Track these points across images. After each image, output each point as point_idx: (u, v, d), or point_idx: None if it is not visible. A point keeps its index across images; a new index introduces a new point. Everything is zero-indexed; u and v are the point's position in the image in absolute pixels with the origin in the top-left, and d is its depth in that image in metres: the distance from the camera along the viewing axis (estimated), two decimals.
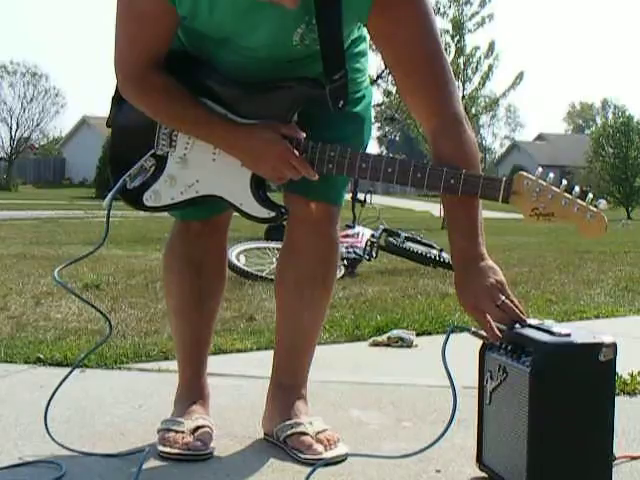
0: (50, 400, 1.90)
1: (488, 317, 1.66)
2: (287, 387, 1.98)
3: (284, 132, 1.72)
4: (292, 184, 1.83)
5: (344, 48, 1.69)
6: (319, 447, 1.84)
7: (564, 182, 1.63)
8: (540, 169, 1.64)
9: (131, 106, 1.79)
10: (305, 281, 1.94)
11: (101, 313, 1.97)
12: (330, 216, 1.92)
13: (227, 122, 1.75)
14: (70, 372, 1.92)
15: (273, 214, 1.79)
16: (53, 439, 1.90)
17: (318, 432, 1.89)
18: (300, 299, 1.96)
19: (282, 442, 1.90)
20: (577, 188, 1.63)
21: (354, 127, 1.89)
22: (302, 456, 1.83)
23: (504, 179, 1.63)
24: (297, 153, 1.71)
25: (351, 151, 1.68)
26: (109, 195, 1.81)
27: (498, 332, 1.65)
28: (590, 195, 1.63)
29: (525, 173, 1.64)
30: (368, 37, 1.86)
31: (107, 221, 1.84)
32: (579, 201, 1.62)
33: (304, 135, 1.73)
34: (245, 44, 1.69)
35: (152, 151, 1.80)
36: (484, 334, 1.69)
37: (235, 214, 1.91)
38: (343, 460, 1.84)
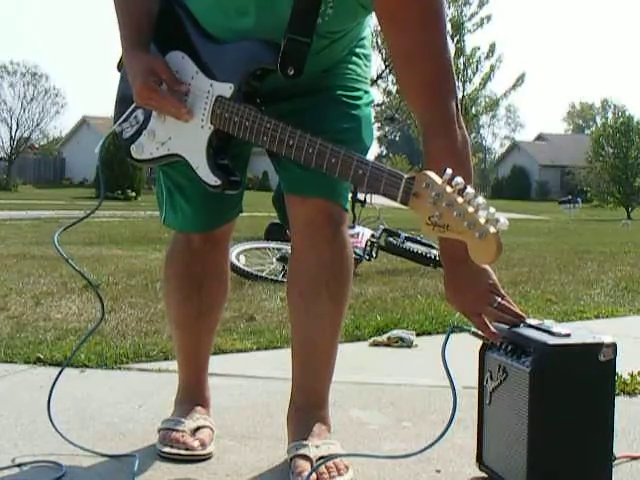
0: (50, 396, 1.90)
1: (485, 319, 1.66)
2: (300, 407, 1.86)
3: (155, 68, 1.68)
4: (286, 183, 1.82)
5: (317, 17, 1.63)
6: (305, 473, 1.72)
7: (469, 189, 1.34)
8: (449, 170, 1.37)
9: None
10: (307, 290, 1.82)
11: (90, 283, 2.02)
12: (329, 215, 1.79)
13: (132, 38, 1.72)
14: (68, 359, 1.92)
15: (219, 182, 1.69)
16: (63, 437, 1.90)
17: (321, 457, 1.75)
18: (305, 311, 1.83)
19: (289, 463, 1.80)
20: (480, 199, 1.33)
21: (350, 124, 1.81)
22: None
23: (405, 177, 1.42)
24: (159, 90, 1.66)
25: (283, 126, 1.59)
26: (101, 141, 1.82)
27: (497, 333, 1.66)
28: (492, 210, 1.32)
29: (429, 173, 1.39)
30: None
31: (100, 167, 1.86)
32: (474, 214, 1.33)
33: (171, 78, 1.68)
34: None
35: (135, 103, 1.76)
36: (484, 334, 1.69)
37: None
38: None
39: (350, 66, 1.84)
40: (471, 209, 1.33)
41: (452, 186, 1.36)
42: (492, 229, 1.31)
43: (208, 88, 1.69)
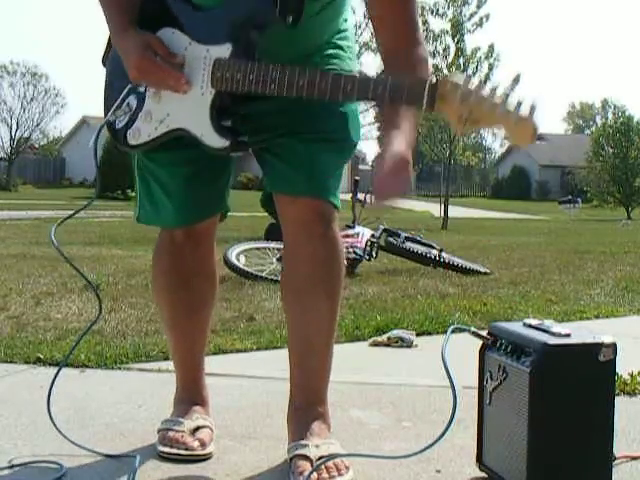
0: (49, 395, 1.90)
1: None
2: (299, 407, 1.86)
3: (150, 43, 1.69)
4: (275, 183, 1.82)
5: None
6: (305, 474, 1.71)
7: (487, 85, 1.47)
8: (464, 75, 1.49)
9: None
10: (303, 288, 1.83)
11: (89, 282, 2.02)
12: (320, 214, 1.80)
13: (122, 20, 1.73)
14: (66, 357, 1.92)
15: (227, 143, 1.69)
16: (63, 435, 1.90)
17: (321, 457, 1.75)
18: (301, 309, 1.84)
19: (289, 463, 1.80)
20: (500, 89, 1.46)
21: (338, 121, 1.82)
22: None
23: (428, 81, 1.50)
24: (157, 61, 1.67)
25: (290, 68, 1.60)
26: (95, 133, 1.81)
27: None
28: (518, 98, 1.45)
29: (451, 75, 1.52)
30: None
31: (95, 160, 1.87)
32: (503, 104, 1.45)
33: (166, 51, 1.69)
34: None
35: (130, 86, 1.76)
36: (484, 334, 1.69)
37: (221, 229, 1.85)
38: None
39: (334, 61, 1.84)
40: (498, 100, 1.45)
41: (471, 85, 1.47)
42: (524, 114, 1.44)
43: (204, 54, 1.69)
